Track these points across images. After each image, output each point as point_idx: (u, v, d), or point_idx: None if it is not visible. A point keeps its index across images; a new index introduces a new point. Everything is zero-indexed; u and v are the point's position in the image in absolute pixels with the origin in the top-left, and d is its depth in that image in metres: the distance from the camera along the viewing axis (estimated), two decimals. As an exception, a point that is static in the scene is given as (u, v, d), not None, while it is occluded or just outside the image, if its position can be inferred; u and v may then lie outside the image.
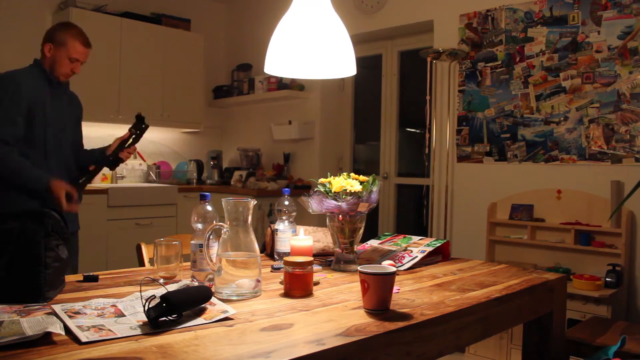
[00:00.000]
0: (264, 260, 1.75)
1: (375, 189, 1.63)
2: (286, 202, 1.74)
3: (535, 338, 1.63)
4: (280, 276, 1.47)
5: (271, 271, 1.62)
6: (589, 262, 2.91)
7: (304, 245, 1.57)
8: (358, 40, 4.13)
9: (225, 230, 1.31)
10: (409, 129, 4.25)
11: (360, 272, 1.19)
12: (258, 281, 1.31)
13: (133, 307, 1.13)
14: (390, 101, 4.24)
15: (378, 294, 1.18)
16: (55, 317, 1.03)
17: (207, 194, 1.50)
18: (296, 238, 1.60)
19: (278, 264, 1.66)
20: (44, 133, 2.29)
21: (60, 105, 2.38)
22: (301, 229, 1.68)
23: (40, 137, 2.28)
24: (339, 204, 1.58)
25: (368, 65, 4.35)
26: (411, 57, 4.05)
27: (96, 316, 1.07)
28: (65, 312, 1.07)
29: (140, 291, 1.17)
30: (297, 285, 1.32)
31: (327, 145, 4.55)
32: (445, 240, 1.88)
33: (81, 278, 1.44)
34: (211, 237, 1.38)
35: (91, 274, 1.46)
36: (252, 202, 1.32)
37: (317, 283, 1.44)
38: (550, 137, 3.14)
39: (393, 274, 1.19)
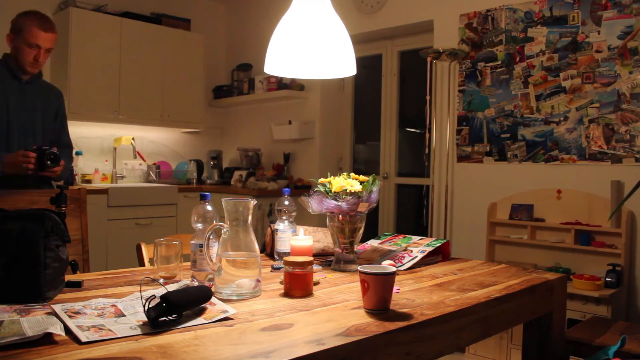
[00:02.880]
0: (264, 260, 1.75)
1: (375, 189, 1.63)
2: (286, 202, 1.74)
3: (535, 338, 1.63)
4: (280, 276, 1.47)
5: (271, 271, 1.62)
6: (589, 262, 2.91)
7: (304, 245, 1.57)
8: (358, 40, 4.13)
9: (225, 230, 1.31)
10: (409, 129, 4.25)
11: (360, 272, 1.19)
12: (258, 281, 1.31)
13: (133, 307, 1.13)
14: (390, 101, 4.24)
15: (378, 294, 1.18)
16: (55, 317, 1.03)
17: (207, 194, 1.50)
18: (296, 238, 1.60)
19: (278, 264, 1.66)
20: (7, 129, 2.28)
21: (27, 100, 2.35)
22: (301, 229, 1.68)
23: (2, 134, 2.27)
24: (339, 204, 1.58)
25: (368, 65, 4.35)
26: (411, 57, 4.05)
27: (96, 316, 1.07)
28: (65, 312, 1.07)
29: (140, 291, 1.17)
30: (297, 285, 1.32)
31: (327, 145, 4.55)
32: (445, 240, 1.88)
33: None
34: (211, 237, 1.38)
35: (74, 279, 1.38)
36: (252, 202, 1.32)
37: (317, 283, 1.44)
38: (550, 137, 3.14)
39: (393, 274, 1.19)
